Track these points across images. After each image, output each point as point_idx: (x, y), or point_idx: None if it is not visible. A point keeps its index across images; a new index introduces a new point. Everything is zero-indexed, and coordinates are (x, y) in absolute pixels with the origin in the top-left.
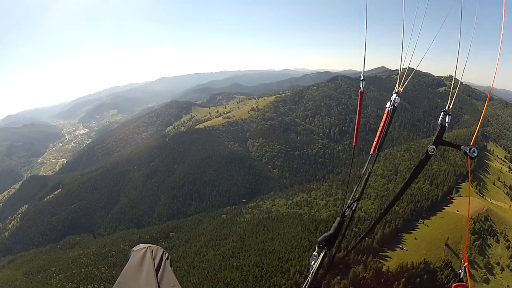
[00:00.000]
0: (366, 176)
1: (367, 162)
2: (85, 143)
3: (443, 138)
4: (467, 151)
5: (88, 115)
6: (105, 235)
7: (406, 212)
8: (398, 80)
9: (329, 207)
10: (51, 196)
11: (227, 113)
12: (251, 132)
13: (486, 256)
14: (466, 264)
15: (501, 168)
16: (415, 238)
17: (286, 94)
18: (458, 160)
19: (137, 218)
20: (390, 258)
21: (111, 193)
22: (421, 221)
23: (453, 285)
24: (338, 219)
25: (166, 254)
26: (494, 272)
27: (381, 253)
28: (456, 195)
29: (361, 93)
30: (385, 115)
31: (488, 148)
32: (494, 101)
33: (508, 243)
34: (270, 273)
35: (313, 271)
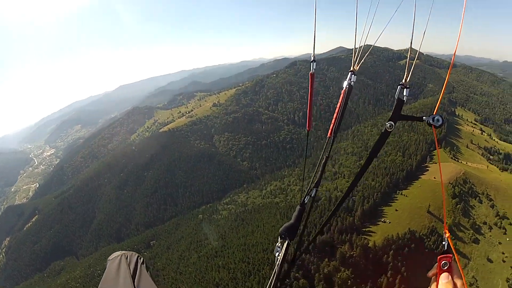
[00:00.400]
0: (324, 161)
1: (325, 146)
2: (54, 163)
3: (402, 113)
4: (430, 121)
5: (53, 135)
6: (88, 255)
7: (383, 185)
8: (353, 59)
9: (304, 191)
10: (29, 224)
11: (189, 112)
12: (216, 128)
13: (471, 217)
14: (448, 235)
15: (473, 131)
16: (396, 210)
17: (246, 85)
18: (427, 128)
19: (116, 232)
20: (374, 232)
21: (86, 211)
22: (399, 193)
23: (438, 258)
24: (298, 207)
25: (141, 259)
26: (482, 231)
27: (364, 230)
28: (430, 162)
29: (312, 75)
30: (341, 95)
31: (457, 113)
32: (457, 68)
33: (492, 202)
34: (258, 267)
35: (278, 263)
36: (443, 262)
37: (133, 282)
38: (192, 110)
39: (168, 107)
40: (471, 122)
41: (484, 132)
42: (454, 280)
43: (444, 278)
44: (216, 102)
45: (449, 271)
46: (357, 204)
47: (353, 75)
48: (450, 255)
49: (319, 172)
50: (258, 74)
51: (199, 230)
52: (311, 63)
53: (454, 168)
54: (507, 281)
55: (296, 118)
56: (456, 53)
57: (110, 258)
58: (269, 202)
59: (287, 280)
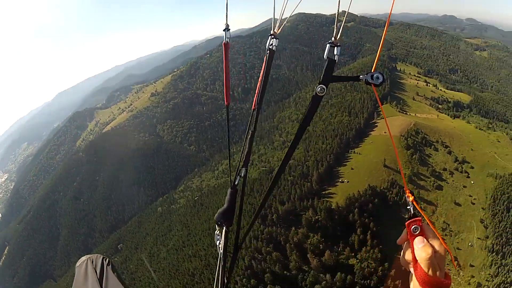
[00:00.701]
0: (249, 136)
1: (250, 119)
2: (10, 189)
3: (339, 75)
4: (369, 80)
5: (3, 160)
6: (63, 274)
7: (334, 147)
8: (273, 23)
9: (256, 164)
10: (3, 258)
11: (128, 107)
12: (157, 118)
13: (430, 166)
14: (411, 198)
15: (417, 83)
16: (352, 169)
17: (181, 70)
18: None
19: (82, 243)
20: (335, 194)
21: (50, 229)
22: (351, 151)
23: (407, 223)
24: (230, 190)
25: (106, 260)
26: (444, 178)
27: (324, 193)
28: (378, 118)
29: (225, 44)
30: (264, 64)
31: (398, 68)
32: (394, 26)
33: (448, 148)
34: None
35: (221, 251)
36: (413, 227)
37: (101, 285)
38: (131, 104)
39: (107, 106)
40: (414, 76)
41: (429, 83)
42: (430, 242)
43: (419, 242)
44: (154, 92)
45: (422, 234)
46: (311, 168)
47: (273, 39)
48: (418, 218)
49: (246, 150)
50: (192, 57)
51: (161, 223)
52: (224, 32)
53: (404, 121)
54: (481, 222)
55: (236, 94)
56: (392, 12)
57: (77, 264)
58: (224, 182)
59: (235, 268)
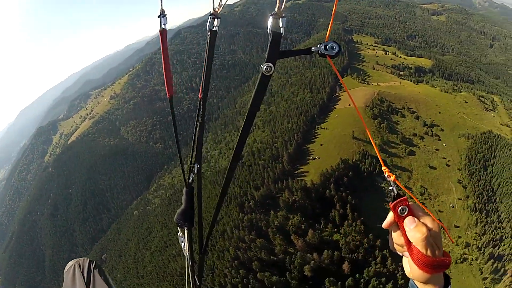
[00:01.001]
0: (198, 129)
1: (198, 109)
2: None
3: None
4: (323, 51)
5: None
6: None
7: (300, 125)
8: (213, 0)
9: (224, 153)
10: None
11: (90, 113)
12: (120, 120)
13: (399, 133)
14: (393, 178)
15: (376, 53)
16: (321, 144)
17: (137, 68)
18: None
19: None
20: (308, 172)
21: (34, 252)
22: (318, 128)
23: (392, 205)
24: (185, 189)
25: (93, 263)
26: (415, 143)
27: (297, 172)
28: (341, 91)
29: (162, 31)
30: (206, 47)
31: (355, 40)
32: None
33: (415, 113)
34: (212, 242)
35: (187, 253)
36: (400, 208)
37: None
38: (92, 111)
39: (69, 116)
40: (372, 46)
41: (388, 52)
42: (422, 220)
43: (410, 223)
44: (113, 94)
45: (410, 214)
46: (281, 149)
47: (215, 19)
48: (404, 197)
49: (196, 144)
50: (146, 53)
51: (139, 226)
52: (160, 18)
53: (367, 91)
54: (459, 183)
55: (194, 85)
56: None
57: (65, 270)
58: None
59: (204, 269)
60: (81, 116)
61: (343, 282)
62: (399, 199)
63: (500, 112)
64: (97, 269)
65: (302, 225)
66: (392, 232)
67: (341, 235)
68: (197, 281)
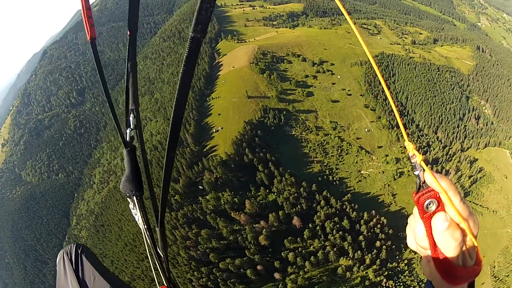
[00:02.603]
0: (130, 72)
1: (127, 49)
2: None
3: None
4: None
5: None
6: None
7: (190, 101)
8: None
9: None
10: None
11: None
12: (17, 165)
13: (290, 78)
14: (420, 159)
15: (243, 10)
16: (219, 114)
17: (16, 104)
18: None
19: None
20: (217, 145)
21: None
22: (209, 99)
23: (417, 197)
24: (125, 151)
25: (80, 248)
26: (309, 83)
27: (206, 150)
28: (220, 57)
29: None
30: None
31: (219, 4)
32: None
33: (301, 56)
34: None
35: (143, 227)
36: (427, 201)
37: (78, 275)
38: None
39: None
40: (238, 4)
41: (255, 6)
42: (455, 219)
43: (441, 222)
44: (3, 141)
45: (441, 209)
46: (181, 134)
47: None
48: (430, 188)
49: (132, 89)
50: (20, 86)
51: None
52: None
53: (246, 49)
54: (367, 107)
55: (73, 100)
56: None
57: (57, 260)
58: (109, 189)
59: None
60: None
61: (301, 237)
62: (425, 190)
63: (387, 34)
64: (84, 253)
65: (236, 199)
66: (414, 227)
67: (276, 194)
68: (161, 254)
